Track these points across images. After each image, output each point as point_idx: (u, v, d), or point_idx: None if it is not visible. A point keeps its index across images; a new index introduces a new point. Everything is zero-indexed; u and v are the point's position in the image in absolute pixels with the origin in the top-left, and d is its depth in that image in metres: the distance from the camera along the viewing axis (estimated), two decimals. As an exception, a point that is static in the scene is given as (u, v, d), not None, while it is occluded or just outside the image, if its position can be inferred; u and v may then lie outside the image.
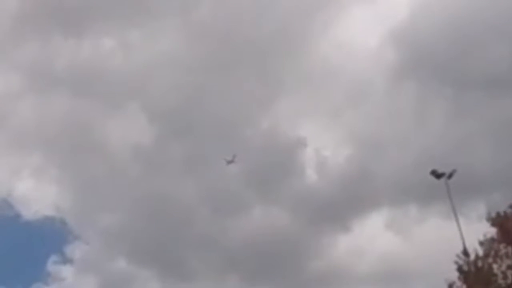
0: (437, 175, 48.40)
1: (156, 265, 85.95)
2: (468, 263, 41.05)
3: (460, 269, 41.13)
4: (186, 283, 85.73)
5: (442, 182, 48.25)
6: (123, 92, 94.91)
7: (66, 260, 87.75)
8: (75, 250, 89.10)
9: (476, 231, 42.35)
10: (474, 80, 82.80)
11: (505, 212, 40.97)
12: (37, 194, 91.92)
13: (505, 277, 39.20)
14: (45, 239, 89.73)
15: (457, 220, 46.22)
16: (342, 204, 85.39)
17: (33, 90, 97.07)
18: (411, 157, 79.26)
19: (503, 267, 39.48)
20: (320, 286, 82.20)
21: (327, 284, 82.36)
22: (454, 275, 41.19)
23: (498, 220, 40.84)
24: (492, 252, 40.13)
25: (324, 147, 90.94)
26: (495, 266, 39.86)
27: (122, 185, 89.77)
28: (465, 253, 41.57)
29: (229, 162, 77.36)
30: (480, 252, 40.74)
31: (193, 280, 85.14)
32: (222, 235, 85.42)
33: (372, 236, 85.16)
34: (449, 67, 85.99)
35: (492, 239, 40.51)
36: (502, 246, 39.96)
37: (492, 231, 40.75)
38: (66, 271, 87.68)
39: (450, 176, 48.03)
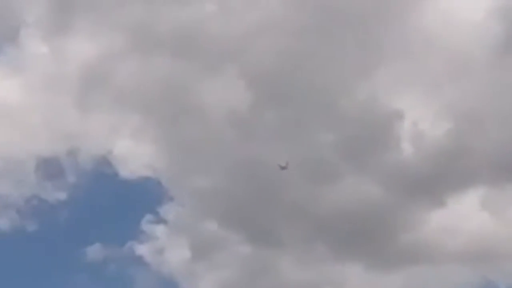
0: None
1: (246, 229, 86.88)
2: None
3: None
4: (274, 249, 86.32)
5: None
6: (222, 57, 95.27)
7: (160, 220, 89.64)
8: (169, 210, 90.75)
9: None
10: None
11: None
12: (135, 154, 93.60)
13: None
14: (140, 198, 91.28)
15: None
16: (437, 180, 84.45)
17: (135, 51, 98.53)
18: (512, 135, 77.13)
19: None
20: (408, 261, 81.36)
21: (415, 259, 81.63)
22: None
23: None
24: None
25: (421, 120, 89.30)
26: None
27: (216, 149, 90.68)
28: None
29: (282, 168, 78.72)
30: None
31: (281, 247, 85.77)
32: (312, 203, 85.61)
33: (467, 214, 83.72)
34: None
35: None
36: None
37: None
38: (160, 231, 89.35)
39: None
